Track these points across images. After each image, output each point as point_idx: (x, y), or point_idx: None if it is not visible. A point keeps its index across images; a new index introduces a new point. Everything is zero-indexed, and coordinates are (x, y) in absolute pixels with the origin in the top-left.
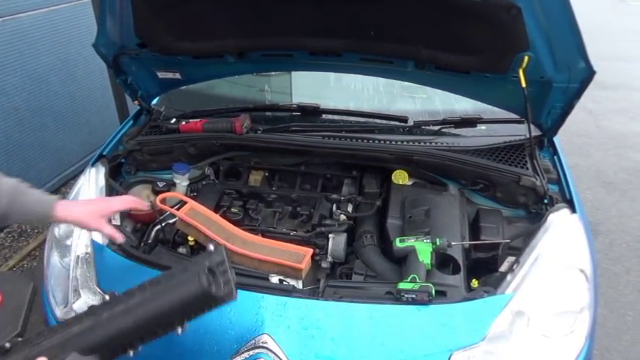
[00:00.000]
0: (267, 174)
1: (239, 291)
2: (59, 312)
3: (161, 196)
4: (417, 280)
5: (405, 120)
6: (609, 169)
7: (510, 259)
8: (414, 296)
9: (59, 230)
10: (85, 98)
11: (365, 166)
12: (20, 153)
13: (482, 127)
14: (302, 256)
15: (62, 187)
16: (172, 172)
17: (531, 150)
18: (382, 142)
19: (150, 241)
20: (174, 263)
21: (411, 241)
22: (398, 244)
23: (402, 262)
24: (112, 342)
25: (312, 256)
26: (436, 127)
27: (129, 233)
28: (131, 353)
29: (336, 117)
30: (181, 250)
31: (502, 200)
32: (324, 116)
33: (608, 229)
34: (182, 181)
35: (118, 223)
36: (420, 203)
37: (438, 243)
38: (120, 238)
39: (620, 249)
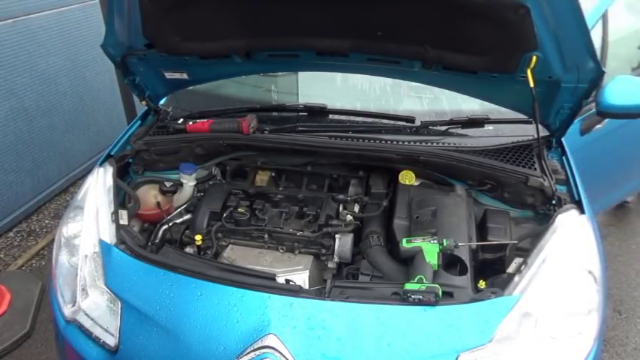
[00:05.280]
0: (273, 174)
1: (245, 291)
2: (67, 311)
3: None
4: (424, 281)
5: (412, 120)
6: None
7: (518, 260)
8: (420, 297)
9: (67, 230)
10: (93, 99)
11: (372, 167)
12: (29, 153)
13: (490, 127)
14: None
15: (70, 186)
16: (179, 172)
17: (539, 150)
18: (389, 142)
19: (157, 241)
20: (180, 263)
21: (417, 242)
22: (405, 244)
23: (408, 262)
24: None
25: (319, 256)
26: (443, 128)
27: (136, 233)
28: None
29: (342, 117)
30: (188, 249)
31: (510, 201)
32: (330, 116)
33: (618, 230)
34: (189, 181)
35: (126, 222)
36: (426, 204)
37: (445, 244)
38: None
39: (630, 250)
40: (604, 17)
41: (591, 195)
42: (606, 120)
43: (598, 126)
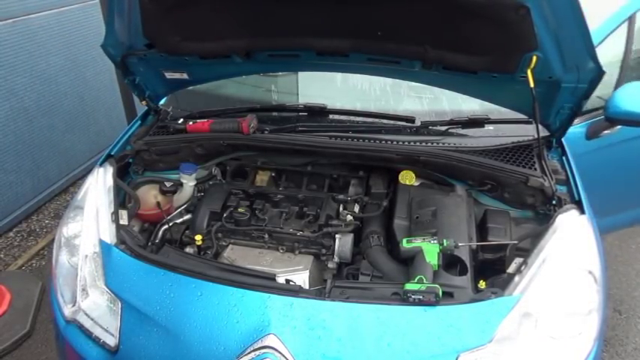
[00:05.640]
0: (273, 174)
1: (245, 291)
2: (67, 311)
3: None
4: (424, 281)
5: (412, 120)
6: None
7: (518, 260)
8: (420, 297)
9: (67, 230)
10: (93, 99)
11: (372, 167)
12: (29, 153)
13: (490, 127)
14: None
15: (70, 187)
16: (179, 172)
17: (539, 150)
18: (389, 142)
19: (157, 241)
20: (180, 263)
21: (417, 242)
22: (405, 244)
23: (408, 262)
24: None
25: (319, 257)
26: (443, 128)
27: (136, 233)
28: None
29: (342, 117)
30: (188, 249)
31: (510, 201)
32: (330, 116)
33: (618, 230)
34: (189, 181)
35: (126, 222)
36: (427, 204)
37: (445, 244)
38: None
39: (630, 250)
40: (630, 21)
41: (597, 210)
42: (619, 127)
43: (606, 131)
